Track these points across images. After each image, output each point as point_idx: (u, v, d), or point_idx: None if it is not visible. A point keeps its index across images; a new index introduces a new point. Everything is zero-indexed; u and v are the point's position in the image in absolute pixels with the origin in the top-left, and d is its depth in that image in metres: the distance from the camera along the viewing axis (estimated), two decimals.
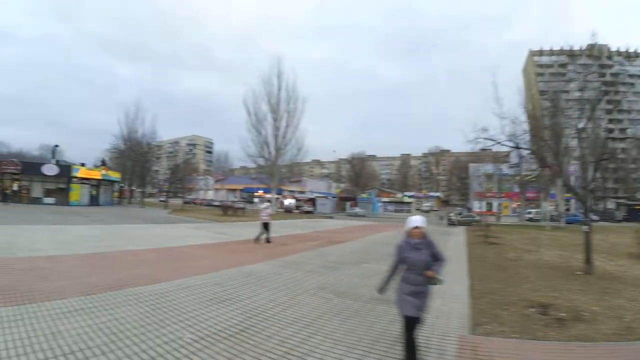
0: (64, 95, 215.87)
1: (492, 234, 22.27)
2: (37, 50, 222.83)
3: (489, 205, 78.46)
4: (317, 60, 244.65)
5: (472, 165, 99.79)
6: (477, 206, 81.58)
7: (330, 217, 51.88)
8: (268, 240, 17.14)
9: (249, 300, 7.46)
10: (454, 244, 20.08)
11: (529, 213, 56.41)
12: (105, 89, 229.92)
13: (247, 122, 50.81)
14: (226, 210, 41.26)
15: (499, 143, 26.64)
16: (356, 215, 60.83)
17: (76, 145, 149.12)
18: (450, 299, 7.94)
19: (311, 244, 17.49)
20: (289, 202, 75.00)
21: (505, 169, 54.75)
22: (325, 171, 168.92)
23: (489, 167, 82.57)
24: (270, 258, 12.88)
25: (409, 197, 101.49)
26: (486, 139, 27.74)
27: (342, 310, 6.94)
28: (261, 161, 51.78)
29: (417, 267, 4.34)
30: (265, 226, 17.30)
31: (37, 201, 40.49)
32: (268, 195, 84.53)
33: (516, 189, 59.95)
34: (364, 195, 78.14)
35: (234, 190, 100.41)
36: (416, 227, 4.43)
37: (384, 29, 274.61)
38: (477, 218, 40.75)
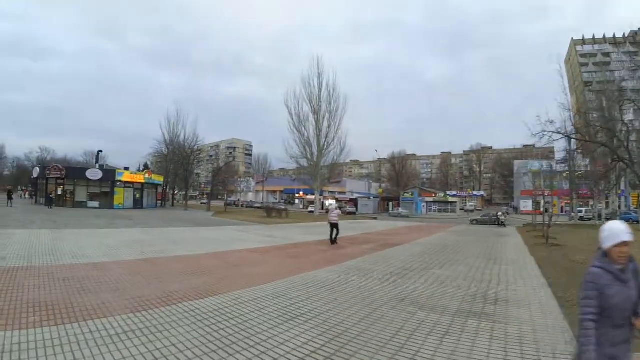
0: (106, 105, 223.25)
1: (549, 235, 20.23)
2: (80, 63, 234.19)
3: (537, 204, 74.52)
4: (354, 61, 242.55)
5: (516, 163, 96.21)
6: (524, 205, 78.08)
7: (374, 218, 50.17)
8: (334, 242, 17.03)
9: (324, 315, 6.31)
10: (513, 246, 18.73)
11: (580, 212, 53.01)
12: (145, 97, 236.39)
13: (289, 123, 49.89)
14: (270, 212, 40.18)
15: (567, 136, 24.59)
16: (400, 216, 58.74)
17: (119, 151, 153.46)
18: (538, 309, 6.96)
19: (366, 248, 16.33)
20: (329, 203, 73.69)
21: (553, 165, 51.91)
22: (364, 171, 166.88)
23: (535, 164, 79.34)
24: (329, 264, 11.72)
25: (452, 196, 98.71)
26: (554, 132, 26.07)
27: (432, 327, 5.84)
28: (304, 162, 50.43)
29: (623, 312, 2.52)
30: (335, 227, 17.14)
31: (81, 205, 40.70)
32: (311, 197, 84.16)
33: (565, 187, 56.43)
34: (406, 195, 75.77)
35: (273, 191, 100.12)
36: (624, 244, 2.49)
37: (421, 27, 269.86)
38: (502, 218, 38.00)
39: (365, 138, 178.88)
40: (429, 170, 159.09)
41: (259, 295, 7.52)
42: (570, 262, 12.93)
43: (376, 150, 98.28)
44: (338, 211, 18.45)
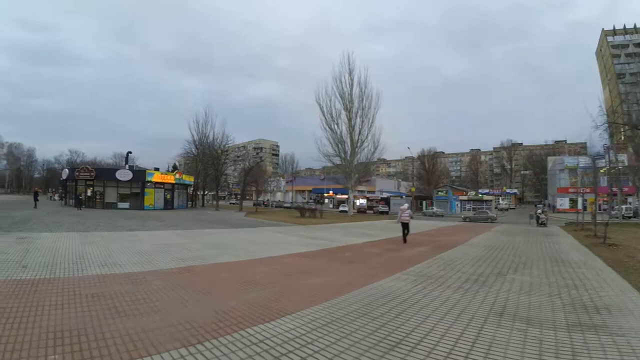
0: (133, 109, 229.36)
1: (601, 234, 18.99)
2: (107, 70, 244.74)
3: (573, 201, 71.18)
4: (374, 61, 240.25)
5: (550, 159, 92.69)
6: (560, 203, 74.85)
7: (410, 218, 47.92)
8: (404, 240, 17.03)
9: (428, 341, 5.01)
10: (570, 246, 17.35)
11: (620, 210, 49.84)
12: (170, 101, 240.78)
13: (322, 121, 48.15)
14: (303, 212, 38.62)
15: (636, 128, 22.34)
16: (435, 215, 56.43)
17: (147, 153, 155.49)
18: None
19: (421, 250, 15.04)
20: (360, 202, 71.91)
21: (589, 161, 48.93)
22: (391, 170, 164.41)
23: (571, 160, 76.10)
24: (392, 270, 10.33)
25: (483, 194, 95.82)
26: (622, 124, 23.95)
27: (555, 348, 4.79)
28: (337, 160, 48.59)
29: None
30: (405, 226, 17.30)
31: (111, 206, 40.32)
32: (341, 196, 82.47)
33: (604, 184, 53.18)
34: (440, 194, 73.38)
35: (302, 191, 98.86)
36: None
37: (441, 24, 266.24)
38: (543, 217, 35.27)
39: (390, 137, 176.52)
40: (458, 168, 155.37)
41: (335, 314, 6.09)
42: (637, 263, 12.05)
43: (408, 148, 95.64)
44: (410, 211, 18.30)
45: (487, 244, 17.49)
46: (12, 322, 5.15)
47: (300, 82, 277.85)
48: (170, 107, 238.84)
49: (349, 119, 46.92)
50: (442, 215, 57.53)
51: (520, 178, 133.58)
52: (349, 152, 47.21)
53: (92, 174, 41.38)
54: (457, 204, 73.49)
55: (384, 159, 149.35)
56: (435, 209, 61.34)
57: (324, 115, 47.54)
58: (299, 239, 17.76)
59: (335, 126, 47.30)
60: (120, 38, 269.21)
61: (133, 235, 16.37)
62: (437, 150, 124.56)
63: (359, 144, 47.14)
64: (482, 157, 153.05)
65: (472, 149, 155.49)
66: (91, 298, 6.51)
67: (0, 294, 6.58)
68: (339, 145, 47.27)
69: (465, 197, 76.93)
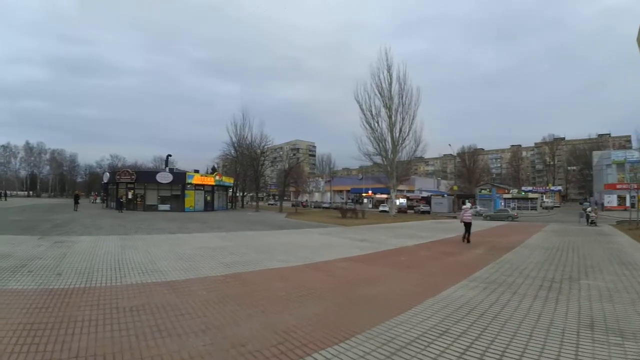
0: (172, 114, 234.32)
1: None
2: (145, 78, 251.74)
3: (621, 198, 67.37)
4: (407, 57, 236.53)
5: (595, 154, 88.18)
6: (608, 200, 71.12)
7: (454, 217, 46.00)
8: (468, 240, 16.89)
9: None
10: (632, 247, 16.19)
11: None
12: (207, 105, 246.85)
13: (361, 119, 46.46)
14: (344, 213, 37.40)
15: None
16: (479, 215, 54.06)
17: (186, 157, 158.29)
18: None
19: (478, 253, 13.99)
20: (400, 202, 70.26)
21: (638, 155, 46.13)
22: (429, 168, 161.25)
23: (619, 154, 72.13)
24: (456, 276, 9.36)
25: (527, 192, 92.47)
26: None
27: None
28: (378, 159, 47.15)
29: None
30: (467, 226, 17.09)
31: (152, 208, 40.60)
32: (380, 196, 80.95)
33: None
34: (484, 192, 70.75)
35: (340, 191, 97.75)
36: None
37: (472, 17, 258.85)
38: (593, 216, 32.69)
39: (426, 134, 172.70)
40: (499, 165, 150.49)
41: (412, 333, 5.21)
42: None
43: (449, 145, 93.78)
44: (472, 211, 18.23)
45: (545, 246, 16.24)
46: (38, 342, 4.37)
47: (333, 82, 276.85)
48: (207, 111, 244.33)
49: (389, 116, 45.29)
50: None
51: (563, 174, 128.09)
52: (390, 150, 45.61)
53: (133, 177, 41.72)
54: (501, 203, 70.73)
55: (421, 157, 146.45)
56: (479, 208, 58.89)
57: (363, 113, 45.96)
58: (347, 241, 16.65)
59: (375, 124, 45.70)
60: (157, 48, 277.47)
61: (174, 238, 15.69)
62: (477, 147, 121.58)
63: (400, 142, 45.50)
64: (524, 153, 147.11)
65: (512, 145, 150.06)
66: (130, 313, 5.64)
67: (29, 307, 5.82)
68: (380, 144, 45.71)
69: (509, 195, 74.14)
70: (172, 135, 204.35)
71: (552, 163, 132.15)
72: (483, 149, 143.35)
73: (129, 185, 41.51)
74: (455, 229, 25.24)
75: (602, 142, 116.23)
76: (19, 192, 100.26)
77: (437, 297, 7.10)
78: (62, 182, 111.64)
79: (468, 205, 19.94)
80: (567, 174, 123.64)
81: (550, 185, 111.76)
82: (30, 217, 25.10)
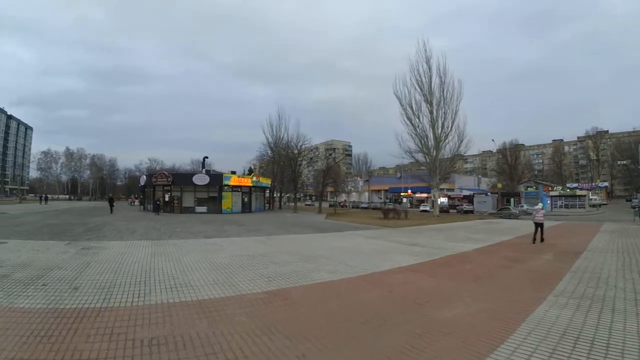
0: (208, 118, 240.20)
1: None
2: (179, 84, 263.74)
3: None
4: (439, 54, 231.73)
5: None
6: None
7: (501, 217, 43.59)
8: (541, 239, 16.52)
9: None
10: None
11: None
12: (242, 109, 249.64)
13: (402, 115, 44.30)
14: (386, 213, 35.62)
15: None
16: (525, 214, 51.16)
17: (223, 159, 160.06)
18: None
19: (547, 258, 12.39)
20: (441, 201, 67.77)
21: None
22: (468, 166, 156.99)
23: None
24: (537, 290, 7.90)
25: (572, 189, 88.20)
26: None
27: None
28: (419, 156, 45.14)
29: None
30: (540, 227, 16.78)
31: (189, 210, 39.87)
32: (420, 195, 78.68)
33: None
34: (530, 190, 67.46)
35: (377, 191, 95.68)
36: None
37: (502, 9, 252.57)
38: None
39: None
40: (540, 161, 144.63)
41: None
42: None
43: (493, 140, 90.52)
44: (544, 211, 17.82)
45: (613, 249, 14.51)
46: None
47: (365, 82, 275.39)
48: (242, 115, 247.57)
49: (430, 112, 43.10)
50: (532, 214, 51.99)
51: (608, 170, 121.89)
52: (432, 147, 43.46)
53: (169, 179, 41.36)
54: (547, 201, 67.25)
55: (459, 154, 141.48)
56: (525, 206, 55.78)
57: (403, 109, 43.88)
58: (397, 246, 15.01)
59: (416, 120, 43.56)
60: (189, 55, 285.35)
61: (210, 244, 14.48)
62: (518, 142, 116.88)
63: (442, 138, 43.27)
64: (566, 148, 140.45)
65: (554, 140, 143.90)
66: (148, 348, 4.38)
67: (30, 334, 4.76)
68: (422, 140, 43.64)
69: (555, 193, 70.60)
70: (208, 138, 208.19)
71: (596, 158, 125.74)
72: (523, 145, 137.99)
73: (165, 188, 41.19)
74: (508, 230, 23.46)
75: None
76: (60, 196, 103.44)
77: (530, 321, 5.67)
78: (103, 185, 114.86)
79: (540, 205, 19.42)
80: (612, 169, 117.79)
81: (598, 181, 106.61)
82: (65, 221, 24.81)
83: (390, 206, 46.31)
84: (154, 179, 41.80)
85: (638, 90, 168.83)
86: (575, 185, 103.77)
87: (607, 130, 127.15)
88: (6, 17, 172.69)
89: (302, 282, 8.16)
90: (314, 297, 6.96)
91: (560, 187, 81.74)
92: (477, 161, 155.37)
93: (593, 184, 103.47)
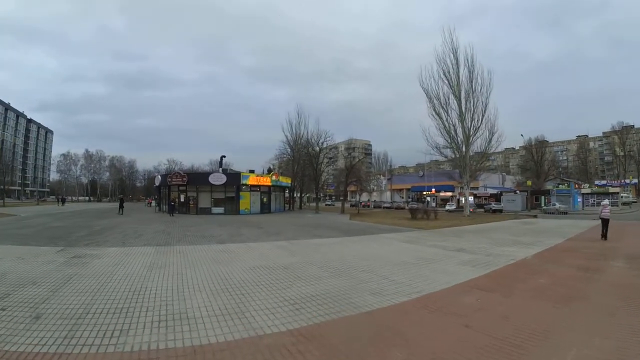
0: (227, 120, 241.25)
1: None
2: (199, 88, 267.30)
3: None
4: (465, 44, 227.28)
5: None
6: None
7: (534, 216, 40.75)
8: (605, 237, 16.47)
9: None
10: None
11: None
12: (259, 110, 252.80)
13: (429, 108, 41.77)
14: (415, 213, 33.25)
15: None
16: (558, 212, 48.23)
17: (242, 160, 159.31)
18: None
19: (620, 266, 10.44)
20: (464, 199, 64.82)
21: None
22: (490, 163, 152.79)
23: None
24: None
25: (601, 186, 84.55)
26: None
27: None
28: (448, 152, 42.57)
29: None
30: (605, 223, 16.81)
31: (205, 211, 37.98)
32: (444, 194, 75.92)
33: None
34: (562, 187, 64.05)
35: (399, 190, 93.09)
36: None
37: (520, 4, 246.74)
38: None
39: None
40: (565, 157, 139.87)
41: None
42: None
43: (522, 135, 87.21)
44: (610, 207, 18.12)
45: None
46: None
47: (382, 81, 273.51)
48: (261, 116, 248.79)
49: (459, 104, 40.49)
50: (566, 212, 49.04)
51: (635, 166, 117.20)
52: (461, 143, 40.81)
53: (185, 179, 39.54)
54: (579, 199, 63.83)
55: (488, 152, 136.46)
56: (558, 205, 52.64)
57: (430, 101, 41.27)
58: (442, 253, 12.68)
59: (445, 113, 41.06)
60: (208, 59, 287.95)
61: (223, 251, 12.33)
62: (544, 139, 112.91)
63: (472, 132, 40.72)
64: (591, 144, 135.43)
65: (578, 136, 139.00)
66: None
67: None
68: (450, 135, 41.05)
69: (588, 190, 67.26)
70: (227, 139, 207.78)
71: (622, 154, 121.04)
72: (547, 141, 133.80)
73: (180, 188, 39.48)
74: (551, 231, 21.18)
75: None
76: (79, 198, 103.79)
77: None
78: (122, 187, 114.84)
79: (606, 201, 18.94)
80: (639, 165, 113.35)
81: (631, 177, 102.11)
82: (72, 223, 23.29)
83: (416, 205, 43.85)
84: (169, 179, 40.16)
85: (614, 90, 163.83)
86: (603, 182, 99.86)
87: (633, 125, 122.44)
88: (31, 28, 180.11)
89: (341, 311, 5.92)
90: (363, 341, 4.73)
91: (588, 185, 78.38)
92: (500, 158, 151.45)
93: (623, 180, 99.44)
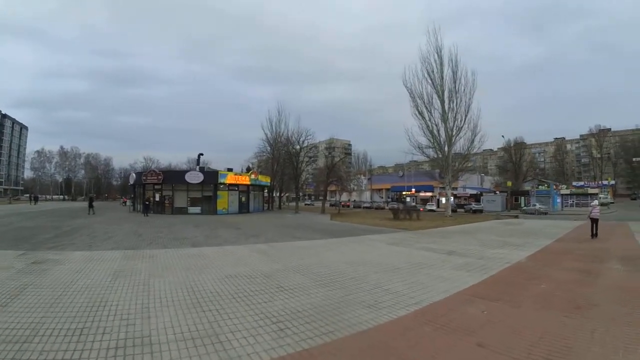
0: (208, 119, 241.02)
1: None
2: (181, 86, 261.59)
3: None
4: (450, 44, 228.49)
5: None
6: None
7: (516, 217, 40.58)
8: (595, 235, 17.14)
9: None
10: None
11: None
12: (243, 109, 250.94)
13: (412, 107, 41.60)
14: (397, 213, 32.67)
15: None
16: (538, 213, 48.29)
17: (222, 159, 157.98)
18: None
19: (619, 268, 10.06)
20: (444, 199, 64.78)
21: None
22: (469, 164, 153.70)
23: None
24: None
25: (578, 187, 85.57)
26: None
27: None
28: (430, 152, 42.16)
29: None
30: (595, 222, 17.60)
31: (181, 211, 36.52)
32: (424, 194, 75.69)
33: None
34: (542, 188, 64.26)
35: (379, 190, 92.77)
36: None
37: (501, 9, 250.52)
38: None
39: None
40: (542, 159, 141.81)
41: None
42: None
43: (502, 136, 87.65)
44: (600, 207, 19.15)
45: None
46: None
47: (363, 82, 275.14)
48: (243, 115, 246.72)
49: (442, 104, 40.09)
50: (546, 213, 49.12)
51: (611, 168, 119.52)
52: (444, 143, 40.38)
53: (160, 177, 37.94)
54: (558, 199, 64.22)
55: (458, 152, 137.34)
56: (538, 205, 52.68)
57: (413, 101, 41.03)
58: (433, 256, 11.92)
59: (428, 113, 40.74)
60: (191, 57, 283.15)
61: (196, 256, 11.28)
62: (523, 140, 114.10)
63: (455, 132, 40.43)
64: (568, 146, 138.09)
65: (556, 138, 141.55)
66: None
67: None
68: (433, 134, 40.66)
69: (567, 191, 67.89)
70: (207, 139, 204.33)
71: (599, 156, 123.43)
72: (525, 143, 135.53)
73: (156, 187, 37.98)
74: (538, 232, 20.83)
75: None
76: (53, 196, 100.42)
77: None
78: (98, 185, 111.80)
79: (596, 202, 20.06)
80: (616, 167, 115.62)
81: (609, 178, 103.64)
82: (39, 224, 22.04)
83: (396, 205, 43.37)
84: (144, 177, 38.63)
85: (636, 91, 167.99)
86: (581, 183, 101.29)
87: (610, 128, 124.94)
88: (10, 24, 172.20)
89: (333, 330, 5.08)
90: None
91: (565, 186, 79.18)
92: (478, 159, 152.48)
93: (600, 182, 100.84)
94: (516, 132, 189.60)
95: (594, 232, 17.28)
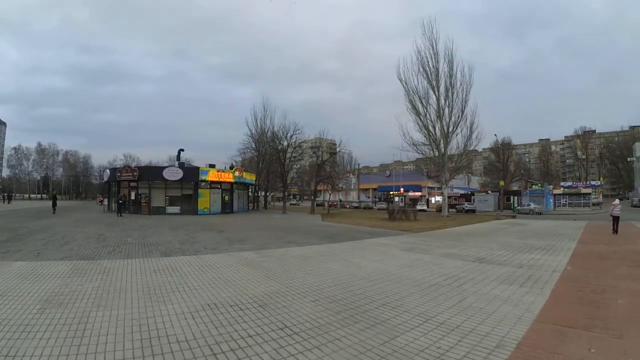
0: (192, 119, 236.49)
1: None
2: (164, 85, 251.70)
3: None
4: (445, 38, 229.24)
5: (638, 145, 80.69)
6: None
7: (513, 217, 38.90)
8: (616, 231, 18.19)
9: None
10: None
11: None
12: (226, 108, 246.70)
13: (406, 102, 39.96)
14: (392, 214, 30.89)
15: None
16: (533, 213, 46.87)
17: (205, 158, 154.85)
18: None
19: None
20: (436, 199, 63.33)
21: None
22: (453, 164, 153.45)
23: None
24: None
25: (566, 187, 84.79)
26: None
27: None
28: (425, 149, 40.32)
29: None
30: (616, 220, 18.58)
31: (159, 211, 33.63)
32: (416, 194, 73.92)
33: None
34: (535, 188, 62.94)
35: (366, 189, 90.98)
36: None
37: (481, 13, 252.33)
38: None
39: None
40: (527, 160, 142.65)
41: None
42: None
43: (495, 135, 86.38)
44: (620, 205, 19.69)
45: None
46: None
47: (346, 82, 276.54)
48: (225, 114, 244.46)
49: (437, 100, 38.22)
50: (540, 213, 47.76)
51: (596, 169, 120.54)
52: (440, 140, 38.48)
53: (135, 173, 35.12)
54: (551, 199, 63.15)
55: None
56: (532, 205, 51.22)
57: (408, 95, 39.33)
58: (466, 265, 9.69)
59: (423, 108, 39.16)
60: (175, 56, 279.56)
61: (165, 270, 8.63)
62: (510, 141, 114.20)
63: (452, 128, 38.75)
64: (553, 148, 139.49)
65: (540, 139, 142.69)
66: None
67: None
68: (428, 130, 38.80)
69: (560, 191, 66.73)
70: (190, 137, 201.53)
71: (584, 157, 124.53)
72: (510, 144, 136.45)
73: (131, 184, 35.16)
74: (555, 233, 19.13)
75: (636, 133, 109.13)
76: (31, 195, 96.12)
77: None
78: (77, 183, 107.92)
79: (617, 201, 20.75)
80: (601, 168, 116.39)
81: (601, 179, 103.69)
82: (0, 224, 19.78)
83: (386, 205, 41.45)
84: (118, 174, 35.83)
85: (615, 94, 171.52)
86: (569, 183, 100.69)
87: (595, 130, 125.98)
88: None
89: None
90: None
91: (552, 186, 78.42)
92: (463, 160, 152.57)
93: (589, 182, 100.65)
94: (503, 134, 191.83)
95: (615, 228, 18.58)
